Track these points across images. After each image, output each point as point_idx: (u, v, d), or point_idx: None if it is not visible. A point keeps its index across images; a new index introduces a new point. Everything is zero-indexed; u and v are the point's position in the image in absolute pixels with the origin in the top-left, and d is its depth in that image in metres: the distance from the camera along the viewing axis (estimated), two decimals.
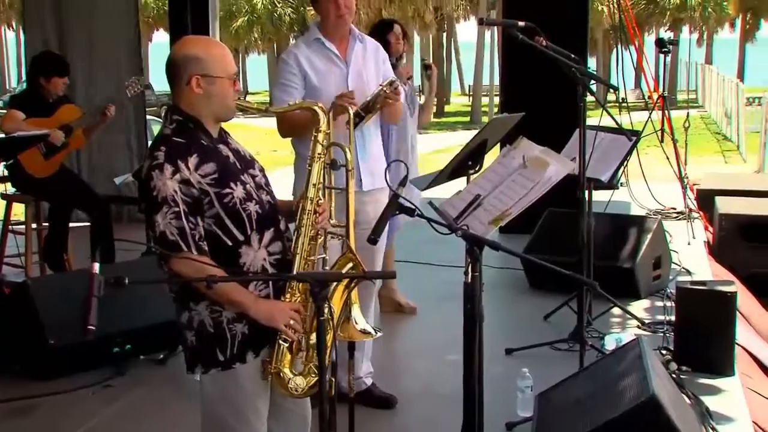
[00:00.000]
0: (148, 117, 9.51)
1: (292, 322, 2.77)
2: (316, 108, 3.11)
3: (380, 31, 5.48)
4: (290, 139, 4.23)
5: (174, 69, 2.82)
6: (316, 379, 2.80)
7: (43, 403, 4.59)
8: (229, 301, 2.75)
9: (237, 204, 2.77)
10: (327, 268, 3.05)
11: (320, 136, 3.06)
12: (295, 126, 4.01)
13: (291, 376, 2.83)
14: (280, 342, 2.80)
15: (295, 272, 2.86)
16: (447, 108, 42.22)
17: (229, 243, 2.78)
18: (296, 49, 4.23)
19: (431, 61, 6.04)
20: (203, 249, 2.73)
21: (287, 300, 2.82)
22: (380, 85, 4.03)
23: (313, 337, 2.79)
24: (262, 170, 2.97)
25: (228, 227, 2.77)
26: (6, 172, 6.25)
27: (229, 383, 2.83)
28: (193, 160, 2.73)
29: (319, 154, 3.03)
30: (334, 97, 3.93)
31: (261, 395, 2.89)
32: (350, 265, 2.98)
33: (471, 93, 41.10)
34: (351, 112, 3.85)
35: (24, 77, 7.12)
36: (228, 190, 2.76)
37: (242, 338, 2.79)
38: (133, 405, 4.60)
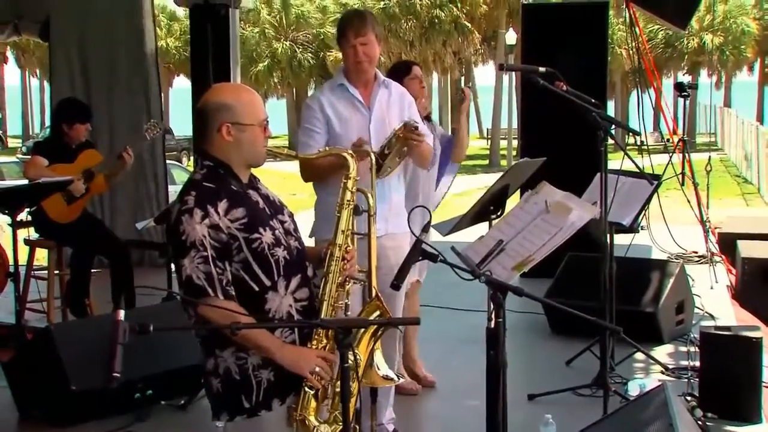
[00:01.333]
0: (168, 162, 9.56)
1: (317, 369, 2.75)
2: (346, 155, 3.13)
3: (395, 76, 5.37)
4: (312, 183, 4.25)
5: (204, 116, 2.85)
6: (340, 427, 2.78)
7: None
8: (255, 346, 2.74)
9: (265, 249, 2.78)
10: (349, 314, 3.04)
11: (350, 183, 3.07)
12: (319, 171, 4.03)
13: (316, 424, 2.81)
14: (306, 389, 2.78)
15: (322, 318, 2.85)
16: (467, 151, 42.25)
17: (256, 288, 2.78)
18: (321, 95, 4.27)
19: (451, 103, 5.89)
20: (230, 294, 2.73)
21: (314, 346, 2.81)
22: (394, 129, 4.02)
23: (338, 384, 2.77)
24: (291, 216, 2.98)
25: (255, 272, 2.77)
26: (29, 218, 6.30)
27: (255, 431, 2.81)
28: (222, 205, 2.75)
29: (348, 200, 3.04)
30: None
31: None
32: (377, 312, 2.97)
33: (489, 136, 41.20)
34: (372, 157, 3.85)
35: (47, 124, 7.19)
36: (257, 236, 2.77)
37: (268, 385, 2.78)
38: None
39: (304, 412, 2.79)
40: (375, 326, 2.93)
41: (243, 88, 3.03)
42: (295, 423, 2.81)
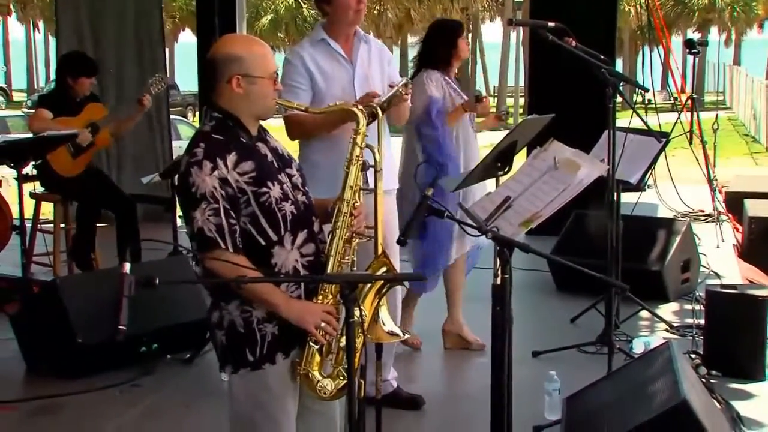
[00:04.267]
0: (172, 117, 9.54)
1: (323, 324, 2.76)
2: (355, 110, 3.10)
3: (449, 33, 5.18)
4: (298, 141, 4.18)
5: (214, 68, 2.82)
6: (344, 382, 2.79)
7: (70, 402, 4.61)
8: (260, 300, 2.74)
9: (273, 204, 2.76)
10: (355, 269, 3.03)
11: (359, 139, 3.03)
12: (311, 128, 3.99)
13: (319, 378, 2.81)
14: (311, 344, 2.79)
15: (328, 273, 2.84)
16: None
17: (263, 243, 2.77)
18: (301, 50, 4.16)
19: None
20: (239, 247, 2.73)
21: (319, 302, 2.81)
22: (396, 86, 3.93)
23: (344, 339, 2.78)
24: (299, 169, 2.96)
25: (262, 227, 2.76)
26: (35, 172, 6.30)
27: (258, 384, 2.82)
28: (231, 158, 2.73)
29: (356, 156, 3.01)
30: (339, 98, 3.85)
31: (290, 396, 2.88)
32: (384, 269, 2.96)
33: (496, 94, 40.99)
34: (380, 112, 3.81)
35: (52, 77, 7.19)
36: (265, 189, 2.75)
37: (272, 339, 2.78)
38: (160, 404, 4.61)
39: (308, 366, 2.79)
40: (380, 282, 2.92)
41: (254, 40, 2.97)
42: (298, 377, 2.82)
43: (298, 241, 2.81)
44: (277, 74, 2.90)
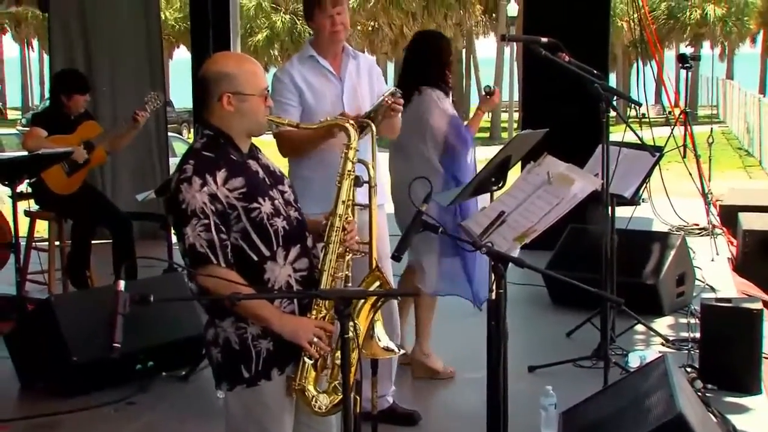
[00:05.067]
0: (169, 134, 9.54)
1: (316, 339, 2.76)
2: (347, 125, 3.11)
3: (442, 51, 4.94)
4: (288, 159, 4.17)
5: (205, 86, 2.84)
6: (340, 397, 2.79)
7: (65, 420, 4.59)
8: (254, 316, 2.75)
9: (264, 219, 2.77)
10: (350, 285, 3.03)
11: (351, 153, 3.04)
12: (303, 145, 3.99)
13: (315, 394, 2.81)
14: (305, 359, 2.79)
15: (320, 289, 2.85)
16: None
17: (255, 258, 2.78)
18: (290, 67, 4.18)
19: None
20: (231, 262, 2.73)
21: (313, 317, 2.81)
22: (383, 96, 3.91)
23: (339, 355, 2.77)
24: (291, 186, 2.97)
25: (254, 242, 2.77)
26: (29, 190, 6.29)
27: (255, 400, 2.82)
28: (221, 175, 2.74)
29: (348, 171, 3.02)
30: (328, 113, 3.83)
31: (286, 412, 2.88)
32: (377, 283, 2.97)
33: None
34: (374, 128, 3.82)
35: (47, 95, 7.18)
36: (256, 205, 2.76)
37: (267, 355, 2.78)
38: (155, 422, 4.60)
39: (303, 381, 2.80)
40: (375, 297, 2.92)
41: (245, 57, 3.00)
42: (294, 392, 2.81)
43: (290, 257, 2.82)
44: (268, 91, 2.91)
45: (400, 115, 4.03)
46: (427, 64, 4.90)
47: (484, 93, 5.09)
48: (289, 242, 2.82)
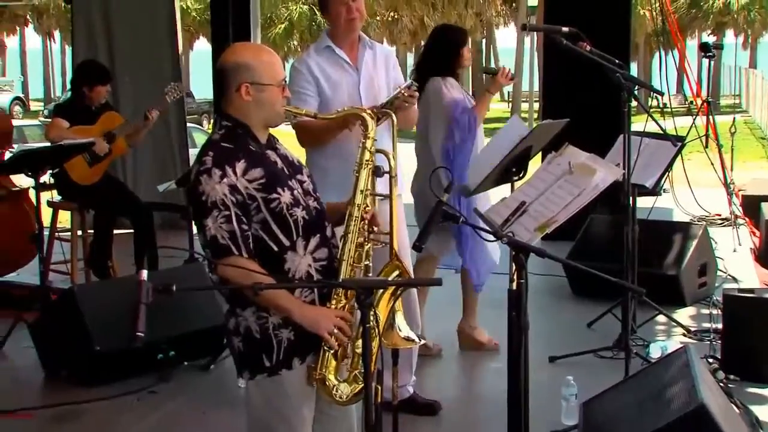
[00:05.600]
0: (188, 125, 9.58)
1: (336, 330, 2.76)
2: (365, 115, 3.11)
3: (453, 42, 5.12)
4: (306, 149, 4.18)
5: (224, 76, 2.85)
6: (360, 386, 2.80)
7: (88, 409, 4.63)
8: (275, 306, 2.76)
9: (284, 209, 2.78)
10: (370, 275, 3.04)
11: (368, 143, 3.04)
12: (322, 135, 3.99)
13: (336, 383, 2.82)
14: (325, 348, 2.80)
15: (341, 279, 2.85)
16: (487, 114, 42.01)
17: (275, 248, 2.78)
18: (308, 57, 4.19)
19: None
20: (253, 253, 2.74)
21: (333, 306, 2.82)
22: (398, 87, 3.94)
23: (359, 344, 2.78)
24: (310, 176, 2.97)
25: (274, 232, 2.78)
26: (52, 180, 6.33)
27: (276, 390, 2.83)
28: (240, 165, 2.74)
29: (366, 160, 3.02)
30: (345, 104, 3.88)
31: (307, 402, 2.89)
32: (396, 272, 2.97)
33: (510, 99, 40.92)
34: (395, 119, 3.82)
35: (68, 87, 7.22)
36: (275, 196, 2.77)
37: (288, 344, 2.79)
38: (177, 412, 4.63)
39: (324, 371, 2.80)
40: (394, 287, 2.92)
41: (262, 48, 3.00)
42: (314, 382, 2.82)
43: (310, 246, 2.83)
44: (286, 81, 2.92)
45: (416, 107, 4.05)
46: (434, 54, 5.12)
47: (488, 74, 5.11)
48: (308, 232, 2.82)
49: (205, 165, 2.73)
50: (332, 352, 2.80)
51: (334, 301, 2.83)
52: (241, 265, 2.70)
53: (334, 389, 2.82)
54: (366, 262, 3.10)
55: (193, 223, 2.81)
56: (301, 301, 2.80)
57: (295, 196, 2.82)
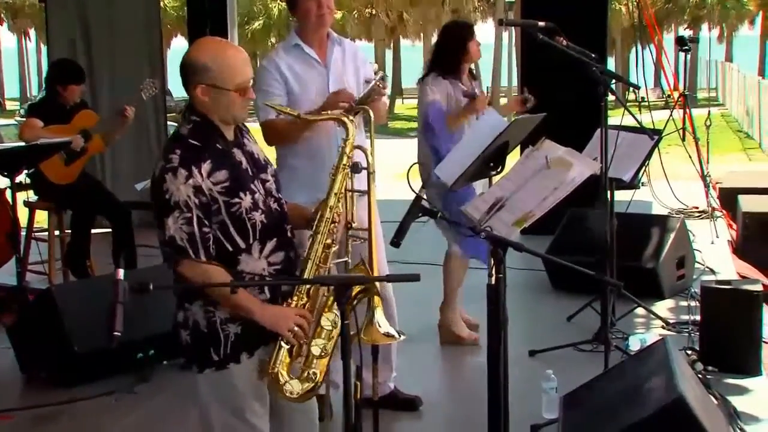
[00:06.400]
0: (168, 123, 9.52)
1: (296, 328, 2.77)
2: (346, 120, 3.12)
3: (458, 37, 5.19)
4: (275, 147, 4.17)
5: (183, 73, 2.84)
6: (312, 385, 2.82)
7: (67, 410, 4.60)
8: (235, 305, 2.76)
9: (243, 213, 2.79)
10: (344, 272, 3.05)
11: (347, 148, 3.06)
12: (290, 134, 3.98)
13: (287, 379, 2.83)
14: (282, 344, 2.81)
15: (326, 275, 2.87)
16: None
17: (230, 249, 2.80)
18: (276, 56, 4.16)
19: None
20: (211, 255, 2.75)
21: (293, 305, 2.82)
22: (374, 80, 3.94)
23: (314, 343, 2.82)
24: (274, 175, 2.96)
25: (231, 235, 2.79)
26: (28, 180, 6.28)
27: (224, 383, 2.85)
28: (206, 166, 2.74)
29: (344, 164, 3.03)
30: (314, 102, 3.91)
31: (257, 396, 2.89)
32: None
33: (489, 94, 41.00)
34: (372, 114, 3.82)
35: (43, 85, 7.19)
36: (237, 200, 2.77)
37: (235, 339, 2.81)
38: (157, 411, 4.61)
39: (277, 366, 2.81)
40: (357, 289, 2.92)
41: (226, 48, 2.89)
42: (266, 376, 2.83)
43: (266, 250, 2.84)
44: (251, 81, 2.86)
45: (385, 100, 4.05)
46: (439, 50, 5.24)
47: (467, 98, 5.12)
48: (266, 236, 2.83)
49: (171, 163, 2.72)
50: (287, 348, 2.81)
51: (295, 299, 2.83)
52: (198, 267, 2.71)
53: (285, 385, 2.82)
54: (345, 259, 3.12)
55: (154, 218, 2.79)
56: (261, 301, 2.80)
57: (255, 200, 2.82)
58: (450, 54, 5.16)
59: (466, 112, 5.04)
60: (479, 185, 4.78)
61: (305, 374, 2.83)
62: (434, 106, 5.02)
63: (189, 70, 2.81)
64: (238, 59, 2.83)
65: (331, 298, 2.80)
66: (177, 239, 2.71)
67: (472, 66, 5.45)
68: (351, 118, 3.18)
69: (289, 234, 2.92)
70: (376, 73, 4.07)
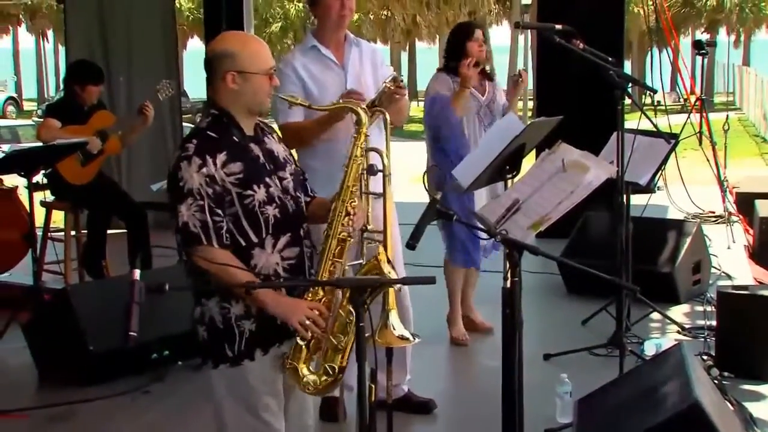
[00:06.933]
0: (183, 124, 9.56)
1: (308, 321, 2.77)
2: (358, 109, 3.10)
3: (457, 38, 5.26)
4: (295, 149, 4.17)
5: (210, 64, 2.87)
6: (331, 379, 2.84)
7: (81, 410, 4.62)
8: (250, 297, 2.78)
9: (256, 206, 2.81)
10: (353, 274, 3.04)
11: (360, 138, 3.04)
12: (304, 135, 3.99)
13: (306, 374, 2.85)
14: (298, 340, 2.83)
15: (320, 273, 2.88)
16: None
17: (243, 243, 2.82)
18: (292, 58, 4.16)
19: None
20: (225, 243, 2.77)
21: (309, 298, 2.84)
22: (384, 83, 3.91)
23: (336, 338, 2.83)
24: (295, 173, 2.97)
25: (244, 227, 2.81)
26: (45, 180, 6.32)
27: (238, 379, 2.87)
28: (221, 157, 2.77)
29: (356, 155, 3.02)
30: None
31: (272, 393, 2.91)
32: (375, 271, 2.97)
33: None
34: (387, 116, 3.81)
35: (61, 86, 7.19)
36: (250, 192, 2.80)
37: (249, 335, 2.83)
38: (171, 411, 4.62)
39: (295, 361, 2.84)
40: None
41: (250, 36, 3.01)
42: (286, 370, 2.86)
43: (279, 245, 2.85)
44: (274, 70, 2.91)
45: (406, 100, 4.03)
46: (447, 53, 5.31)
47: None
48: (279, 231, 2.85)
49: (186, 152, 2.76)
50: (305, 343, 2.82)
51: (311, 294, 2.84)
52: (211, 254, 2.73)
53: (304, 380, 2.85)
54: (360, 261, 3.11)
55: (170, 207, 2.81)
56: (275, 292, 2.81)
57: (270, 194, 2.84)
58: (452, 56, 5.22)
59: (461, 84, 5.05)
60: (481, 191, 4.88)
61: (323, 369, 2.85)
62: (435, 99, 5.12)
63: (216, 60, 2.85)
64: (263, 46, 2.92)
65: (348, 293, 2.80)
66: (190, 225, 2.74)
67: (488, 67, 5.45)
68: (363, 106, 3.15)
69: (303, 231, 2.93)
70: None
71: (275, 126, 3.56)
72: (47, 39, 52.17)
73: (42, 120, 6.67)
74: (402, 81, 3.95)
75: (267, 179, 2.85)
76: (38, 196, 6.34)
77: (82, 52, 8.71)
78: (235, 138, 2.84)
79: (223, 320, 2.83)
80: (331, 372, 2.84)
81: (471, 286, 5.55)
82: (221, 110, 2.86)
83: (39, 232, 6.20)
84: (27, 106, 45.27)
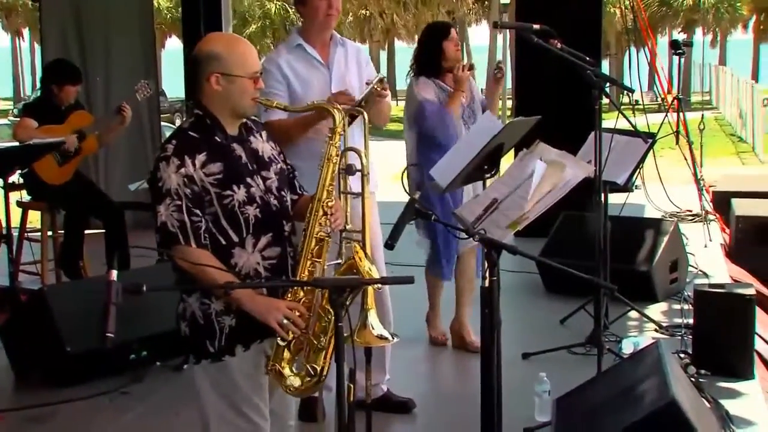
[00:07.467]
0: (161, 123, 9.52)
1: (285, 321, 2.77)
2: (332, 109, 3.10)
3: (433, 38, 5.18)
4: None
5: (195, 65, 2.87)
6: (312, 380, 2.85)
7: (59, 411, 4.59)
8: (228, 295, 2.79)
9: (235, 207, 2.81)
10: (333, 274, 3.04)
11: (335, 138, 3.05)
12: (292, 132, 3.97)
13: (289, 375, 2.86)
14: (278, 341, 2.83)
15: (298, 273, 2.88)
16: None
17: (223, 242, 2.82)
18: (277, 56, 4.15)
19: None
20: (203, 243, 2.78)
21: (288, 298, 2.83)
22: (370, 83, 3.93)
23: (316, 339, 2.83)
24: (281, 172, 2.97)
25: (223, 227, 2.82)
26: (21, 180, 6.27)
27: (220, 375, 2.88)
28: (200, 158, 2.78)
29: (331, 155, 3.02)
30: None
31: (255, 389, 2.91)
32: (353, 271, 2.98)
33: (484, 96, 40.99)
34: (365, 116, 3.81)
35: (38, 85, 7.12)
36: (229, 192, 2.80)
37: (230, 331, 2.84)
38: (150, 412, 4.59)
39: (277, 362, 2.84)
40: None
41: (237, 39, 3.00)
42: (269, 372, 2.86)
43: (260, 245, 2.86)
44: (260, 74, 2.91)
45: (389, 101, 4.04)
46: (419, 52, 5.22)
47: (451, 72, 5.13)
48: (260, 230, 2.85)
49: (165, 152, 2.78)
50: (285, 344, 2.83)
51: (290, 294, 2.85)
52: (189, 254, 2.74)
53: (288, 381, 2.86)
54: (338, 261, 3.10)
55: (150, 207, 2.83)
56: (253, 291, 2.81)
57: (251, 194, 2.84)
58: (427, 57, 5.14)
59: (456, 87, 5.04)
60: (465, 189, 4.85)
61: (306, 369, 2.85)
62: (428, 104, 5.01)
63: (202, 61, 2.85)
64: (249, 48, 2.92)
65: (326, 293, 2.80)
66: (168, 225, 2.76)
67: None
68: (338, 106, 3.15)
69: (286, 230, 2.93)
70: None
71: None
72: (23, 38, 51.84)
73: (18, 119, 6.63)
74: (386, 83, 3.96)
75: (248, 179, 2.85)
76: (14, 196, 6.29)
77: (57, 52, 8.65)
78: (217, 138, 2.84)
79: (204, 316, 2.84)
80: (313, 372, 2.84)
81: (466, 297, 5.33)
82: (205, 111, 2.86)
83: (15, 233, 6.15)
84: (2, 105, 44.96)
